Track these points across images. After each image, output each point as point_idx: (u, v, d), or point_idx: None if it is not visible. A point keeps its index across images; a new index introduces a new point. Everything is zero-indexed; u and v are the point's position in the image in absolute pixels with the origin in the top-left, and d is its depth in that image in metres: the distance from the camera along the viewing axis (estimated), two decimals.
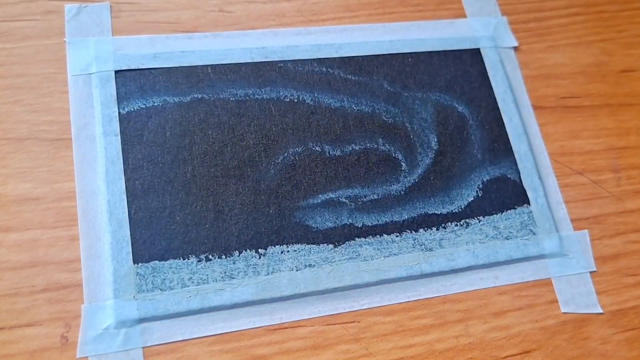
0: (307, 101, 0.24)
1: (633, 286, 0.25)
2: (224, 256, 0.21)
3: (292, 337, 0.21)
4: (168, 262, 0.21)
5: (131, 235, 0.21)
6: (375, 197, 0.24)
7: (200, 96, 0.23)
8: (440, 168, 0.25)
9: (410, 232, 0.23)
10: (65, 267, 0.20)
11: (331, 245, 0.22)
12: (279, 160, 0.23)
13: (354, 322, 0.22)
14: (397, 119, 0.25)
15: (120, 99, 0.23)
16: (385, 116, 0.25)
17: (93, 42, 0.23)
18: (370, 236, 0.23)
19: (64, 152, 0.22)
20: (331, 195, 0.23)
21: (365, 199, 0.23)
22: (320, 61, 0.25)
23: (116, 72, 0.23)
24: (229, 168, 0.23)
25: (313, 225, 0.22)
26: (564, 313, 0.24)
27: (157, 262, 0.21)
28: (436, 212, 0.24)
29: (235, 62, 0.24)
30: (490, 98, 0.27)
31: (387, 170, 0.24)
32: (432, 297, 0.23)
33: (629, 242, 0.26)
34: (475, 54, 0.27)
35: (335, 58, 0.26)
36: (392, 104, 0.25)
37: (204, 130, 0.23)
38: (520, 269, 0.24)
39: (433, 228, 0.24)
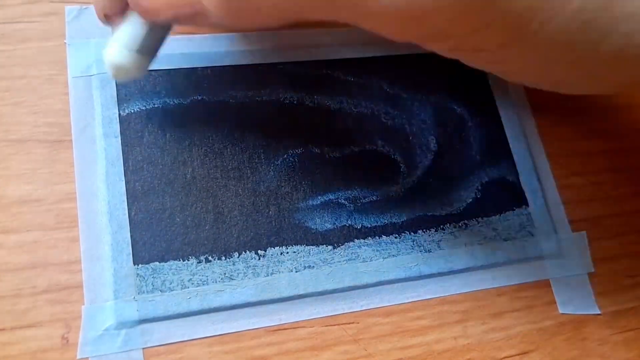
0: (306, 103, 0.25)
1: (631, 287, 0.25)
2: (223, 257, 0.22)
3: (292, 338, 0.21)
4: (168, 263, 0.21)
5: (131, 236, 0.21)
6: (374, 198, 0.24)
7: (200, 98, 0.24)
8: (439, 169, 0.25)
9: (409, 233, 0.23)
10: (66, 268, 0.20)
11: (330, 247, 0.22)
12: (279, 162, 0.23)
13: (353, 323, 0.22)
14: (397, 120, 0.25)
15: (121, 101, 0.23)
16: (384, 118, 0.25)
17: (93, 43, 0.23)
18: (369, 237, 0.23)
19: (65, 154, 0.22)
20: (330, 196, 0.23)
21: (364, 200, 0.24)
22: (320, 62, 0.25)
23: None
24: (229, 169, 0.23)
25: (312, 226, 0.23)
26: (562, 314, 0.24)
27: (157, 263, 0.21)
28: (435, 213, 0.24)
29: (235, 63, 0.24)
30: (488, 99, 0.27)
31: (386, 171, 0.24)
32: (431, 298, 0.23)
33: (627, 243, 0.26)
34: None
35: (335, 59, 0.26)
36: (391, 106, 0.25)
37: (203, 131, 0.23)
38: (519, 270, 0.24)
39: (432, 229, 0.24)
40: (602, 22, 0.14)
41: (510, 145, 0.26)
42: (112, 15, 0.19)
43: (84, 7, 0.24)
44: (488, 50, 0.17)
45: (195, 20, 0.18)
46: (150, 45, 0.19)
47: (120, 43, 0.19)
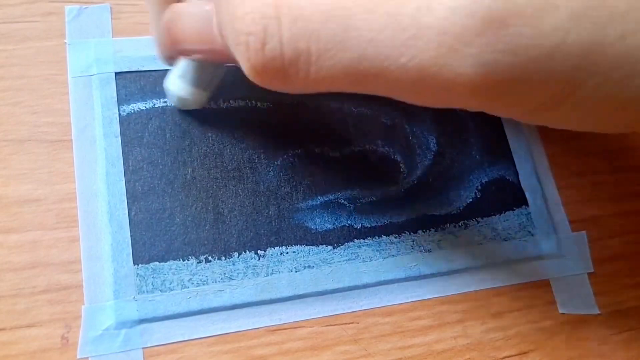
0: (306, 103, 0.25)
1: (631, 287, 0.25)
2: (223, 257, 0.22)
3: (292, 337, 0.21)
4: (168, 263, 0.21)
5: (131, 236, 0.21)
6: (374, 198, 0.24)
7: None
8: (439, 169, 0.25)
9: (409, 233, 0.23)
10: (66, 268, 0.20)
11: (330, 247, 0.22)
12: (278, 162, 0.23)
13: (352, 322, 0.22)
14: (397, 120, 0.25)
15: (121, 101, 0.23)
16: (384, 118, 0.25)
17: (93, 43, 0.24)
18: (369, 237, 0.23)
19: (65, 154, 0.22)
20: (330, 196, 0.23)
21: (364, 200, 0.24)
22: None
23: (116, 73, 0.23)
24: (229, 170, 0.23)
25: (312, 226, 0.23)
26: (562, 314, 0.24)
27: (157, 263, 0.21)
28: (435, 213, 0.24)
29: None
30: None
31: (386, 171, 0.24)
32: (431, 298, 0.23)
33: (626, 243, 0.26)
34: None
35: None
36: (391, 106, 0.25)
37: (203, 132, 0.23)
38: (519, 270, 0.24)
39: (432, 229, 0.24)
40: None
41: (510, 145, 0.26)
42: (174, 57, 0.21)
43: (84, 7, 0.24)
44: (518, 110, 0.16)
45: (229, 61, 0.18)
46: (205, 80, 0.22)
47: (182, 79, 0.21)
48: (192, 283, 0.21)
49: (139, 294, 0.20)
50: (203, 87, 0.22)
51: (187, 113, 0.23)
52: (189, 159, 0.23)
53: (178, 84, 0.21)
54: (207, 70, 0.21)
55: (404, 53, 0.14)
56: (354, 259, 0.23)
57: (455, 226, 0.24)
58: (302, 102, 0.24)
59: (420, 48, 0.14)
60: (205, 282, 0.21)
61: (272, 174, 0.23)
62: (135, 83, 0.23)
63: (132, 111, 0.23)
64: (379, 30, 0.14)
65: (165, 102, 0.23)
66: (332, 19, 0.14)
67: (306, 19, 0.14)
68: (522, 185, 0.25)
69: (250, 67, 0.16)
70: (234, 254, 0.22)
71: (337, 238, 0.23)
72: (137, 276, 0.21)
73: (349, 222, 0.23)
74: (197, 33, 0.18)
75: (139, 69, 0.23)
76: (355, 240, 0.23)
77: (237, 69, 0.24)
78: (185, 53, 0.20)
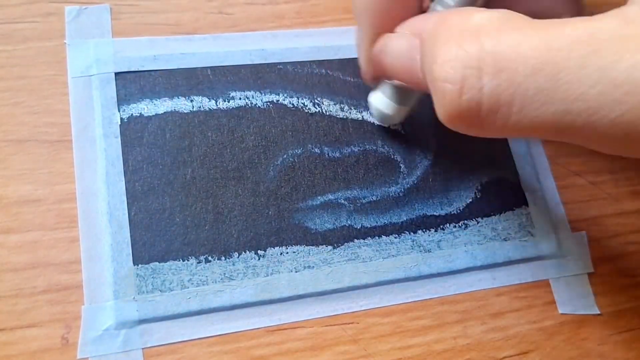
0: (306, 103, 0.25)
1: (630, 287, 0.25)
2: (223, 257, 0.22)
3: (291, 338, 0.21)
4: (168, 263, 0.21)
5: (131, 236, 0.21)
6: (374, 198, 0.24)
7: (200, 98, 0.24)
8: (438, 170, 0.25)
9: (409, 233, 0.23)
10: (66, 268, 0.21)
11: (330, 247, 0.22)
12: (278, 162, 0.23)
13: (352, 323, 0.22)
14: None
15: (121, 101, 0.23)
16: None
17: (93, 44, 0.24)
18: (369, 237, 0.23)
19: (65, 154, 0.22)
20: (330, 197, 0.23)
21: (364, 201, 0.24)
22: (320, 63, 0.25)
23: (116, 74, 0.23)
24: (229, 170, 0.23)
25: (312, 226, 0.23)
26: (562, 314, 0.24)
27: (157, 263, 0.21)
28: (435, 213, 0.24)
29: (235, 64, 0.24)
30: None
31: (386, 172, 0.24)
32: (431, 298, 0.23)
33: (626, 243, 0.26)
34: None
35: (334, 60, 0.26)
36: None
37: (203, 132, 0.23)
38: (519, 270, 0.24)
39: (431, 229, 0.24)
40: None
41: (510, 145, 0.26)
42: (377, 77, 0.22)
43: (84, 7, 0.24)
44: None
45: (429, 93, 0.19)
46: (406, 97, 0.22)
47: (384, 95, 0.23)
48: (192, 283, 0.21)
49: (138, 294, 0.20)
50: (404, 103, 0.23)
51: (186, 114, 0.23)
52: (189, 159, 0.23)
53: (382, 101, 0.23)
54: (406, 90, 0.22)
55: (614, 109, 0.14)
56: (353, 259, 0.23)
57: (455, 226, 0.24)
58: (302, 102, 0.24)
59: (633, 104, 0.14)
60: (205, 283, 0.21)
61: (272, 174, 0.23)
62: (135, 83, 0.23)
63: (132, 111, 0.23)
64: (590, 86, 0.14)
65: (165, 101, 0.23)
66: (540, 73, 0.14)
67: (512, 71, 0.14)
68: (522, 185, 0.25)
69: (444, 113, 0.16)
70: (234, 254, 0.22)
71: (337, 238, 0.23)
72: (137, 276, 0.21)
73: (349, 222, 0.23)
74: (401, 65, 0.19)
75: (139, 69, 0.23)
76: (355, 240, 0.23)
77: (233, 68, 0.24)
78: (388, 79, 0.21)
